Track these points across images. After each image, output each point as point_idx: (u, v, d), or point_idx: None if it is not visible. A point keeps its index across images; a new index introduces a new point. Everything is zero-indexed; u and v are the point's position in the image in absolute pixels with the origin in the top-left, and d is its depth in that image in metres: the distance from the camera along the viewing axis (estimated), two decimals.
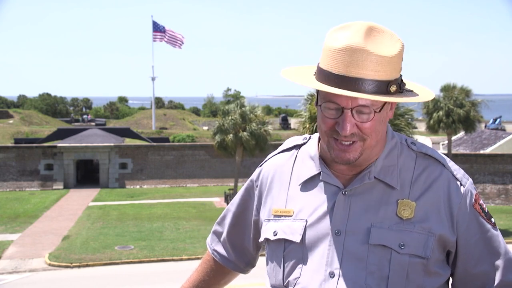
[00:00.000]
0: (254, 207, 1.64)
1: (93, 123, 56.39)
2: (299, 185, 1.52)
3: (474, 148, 34.00)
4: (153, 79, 54.98)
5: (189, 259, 16.81)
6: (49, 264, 16.42)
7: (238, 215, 1.71)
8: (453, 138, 32.16)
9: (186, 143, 36.25)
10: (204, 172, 32.63)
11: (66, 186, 31.03)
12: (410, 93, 1.41)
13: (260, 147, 23.52)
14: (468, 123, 24.15)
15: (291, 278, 1.47)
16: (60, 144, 31.69)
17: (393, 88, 1.34)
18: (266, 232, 1.54)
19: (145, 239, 19.20)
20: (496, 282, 1.42)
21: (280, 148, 1.64)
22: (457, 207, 1.41)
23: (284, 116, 57.42)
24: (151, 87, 55.01)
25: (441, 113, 24.00)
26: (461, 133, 32.23)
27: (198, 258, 15.62)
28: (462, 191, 1.42)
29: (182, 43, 47.80)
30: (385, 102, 1.37)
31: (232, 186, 27.16)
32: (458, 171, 1.46)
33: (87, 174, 34.37)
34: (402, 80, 1.39)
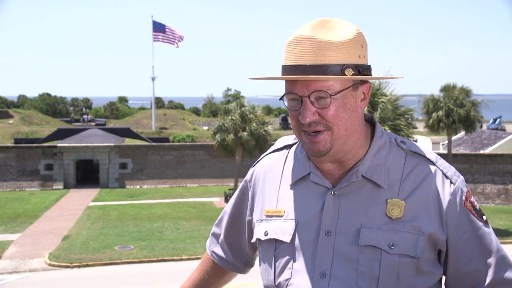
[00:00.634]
0: (248, 207, 1.64)
1: (93, 123, 56.42)
2: (290, 185, 1.52)
3: (474, 148, 34.00)
4: (153, 79, 54.99)
5: (189, 259, 16.81)
6: (49, 264, 16.42)
7: (235, 216, 1.71)
8: (453, 138, 32.17)
9: (186, 143, 36.26)
10: (204, 172, 32.63)
11: (66, 186, 31.04)
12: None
13: (260, 147, 23.54)
14: (468, 123, 24.15)
15: (282, 278, 1.46)
16: (60, 144, 31.69)
17: (348, 72, 1.33)
18: (258, 233, 1.54)
19: (145, 239, 19.20)
20: (488, 280, 1.41)
21: (271, 148, 1.65)
22: (446, 205, 1.40)
23: (284, 116, 57.41)
24: (151, 87, 55.06)
25: (441, 113, 24.01)
26: (461, 133, 32.24)
27: (198, 258, 15.63)
28: (452, 189, 1.41)
29: (181, 39, 47.73)
30: (345, 88, 1.36)
31: (232, 186, 27.18)
32: (448, 168, 1.45)
33: (87, 174, 34.38)
34: (366, 68, 1.38)
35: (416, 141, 28.44)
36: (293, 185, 1.51)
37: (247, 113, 24.29)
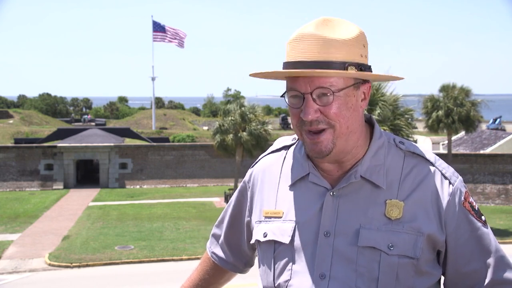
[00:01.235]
0: (247, 208, 1.64)
1: (93, 123, 56.43)
2: (289, 186, 1.51)
3: (474, 148, 34.00)
4: (153, 79, 54.99)
5: (189, 259, 16.81)
6: (49, 264, 16.42)
7: (234, 217, 1.71)
8: (453, 138, 32.17)
9: (186, 143, 36.26)
10: (204, 172, 32.63)
11: (66, 186, 31.04)
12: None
13: (260, 147, 23.53)
14: (468, 123, 24.14)
15: (281, 280, 1.46)
16: (60, 144, 31.69)
17: (351, 70, 1.34)
18: (257, 234, 1.54)
19: (145, 239, 19.20)
20: (487, 280, 1.41)
21: (269, 149, 1.64)
22: (445, 205, 1.40)
23: (284, 116, 57.43)
24: (151, 87, 55.06)
25: (440, 112, 24.00)
26: (461, 133, 32.24)
27: (198, 258, 15.62)
28: (451, 189, 1.41)
29: (184, 36, 47.68)
30: (347, 86, 1.36)
31: (232, 186, 27.17)
32: (447, 169, 1.45)
33: (87, 174, 34.38)
34: (368, 68, 1.38)
35: (416, 141, 28.42)
36: (292, 186, 1.51)
37: (247, 113, 24.29)
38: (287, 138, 1.62)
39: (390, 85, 16.98)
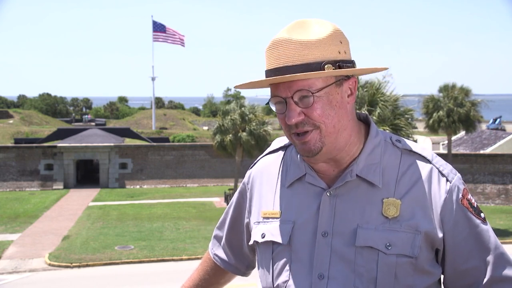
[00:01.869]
0: (246, 210, 1.64)
1: (93, 123, 56.42)
2: (286, 187, 1.52)
3: (474, 148, 34.00)
4: (153, 79, 55.00)
5: (189, 259, 16.81)
6: (49, 264, 16.42)
7: (235, 219, 1.71)
8: (453, 138, 32.17)
9: (186, 143, 36.26)
10: (204, 172, 32.63)
11: (66, 186, 31.04)
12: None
13: (260, 147, 23.53)
14: (468, 123, 24.15)
15: (280, 281, 1.46)
16: (60, 144, 31.69)
17: (328, 68, 1.34)
18: (255, 235, 1.54)
19: (145, 239, 19.20)
20: (487, 277, 1.40)
21: (267, 150, 1.65)
22: (443, 203, 1.39)
23: None
24: (151, 87, 55.07)
25: (441, 113, 24.00)
26: (461, 133, 32.24)
27: (198, 258, 15.63)
28: (449, 187, 1.40)
29: (183, 41, 47.77)
30: (328, 84, 1.36)
31: (232, 186, 27.17)
32: (444, 166, 1.44)
33: (87, 174, 34.38)
34: (349, 63, 1.38)
35: (416, 141, 28.46)
36: (289, 187, 1.51)
37: (247, 113, 24.30)
38: (285, 139, 1.62)
39: (390, 85, 16.99)
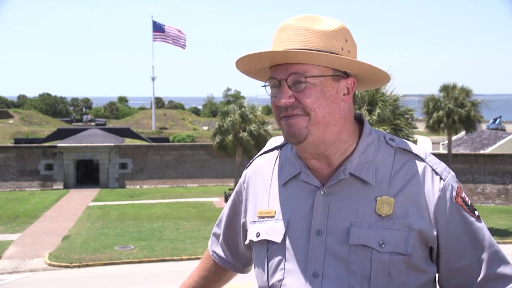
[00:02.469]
0: (242, 210, 1.65)
1: (93, 123, 56.43)
2: (281, 185, 1.52)
3: (474, 148, 34.01)
4: (153, 79, 55.01)
5: (189, 259, 16.81)
6: (49, 264, 16.42)
7: (231, 219, 1.72)
8: (453, 138, 32.17)
9: (186, 143, 36.26)
10: (204, 172, 32.63)
11: (66, 186, 31.04)
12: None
13: (260, 147, 23.42)
14: (469, 123, 24.14)
15: (275, 279, 1.46)
16: (60, 144, 31.69)
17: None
18: (251, 234, 1.55)
19: (145, 239, 19.20)
20: (481, 275, 1.40)
21: (262, 150, 1.66)
22: (436, 201, 1.39)
23: None
24: (151, 87, 55.08)
25: (441, 113, 23.99)
26: (461, 133, 32.23)
27: (198, 258, 15.63)
28: (442, 185, 1.40)
29: (184, 36, 47.67)
30: (323, 74, 1.37)
31: (232, 186, 27.19)
32: (438, 164, 1.44)
33: (87, 174, 34.38)
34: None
35: (416, 141, 28.40)
36: (284, 185, 1.51)
37: (247, 113, 24.30)
38: (279, 138, 1.63)
39: (390, 85, 16.98)
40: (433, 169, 1.43)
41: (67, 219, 22.93)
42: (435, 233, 1.39)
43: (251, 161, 1.67)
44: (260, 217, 1.53)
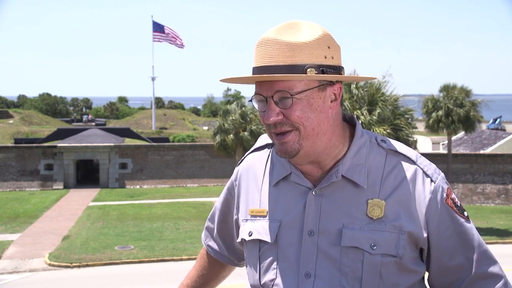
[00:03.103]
0: (235, 206, 1.66)
1: (93, 123, 56.43)
2: (272, 185, 1.53)
3: (474, 148, 34.01)
4: (153, 79, 54.98)
5: (189, 259, 16.79)
6: (49, 264, 16.42)
7: (224, 214, 1.73)
8: (453, 138, 32.15)
9: (186, 143, 36.26)
10: (204, 172, 32.63)
11: (66, 186, 31.03)
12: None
13: None
14: (468, 123, 24.14)
15: (267, 279, 1.48)
16: (60, 144, 31.69)
17: (310, 72, 1.35)
18: (243, 233, 1.56)
19: (145, 239, 19.19)
20: (471, 274, 1.43)
21: (254, 146, 1.66)
22: (427, 203, 1.41)
23: None
24: (151, 87, 55.05)
25: (440, 113, 23.98)
26: (461, 133, 32.23)
27: None
28: (433, 187, 1.42)
29: (182, 44, 47.76)
30: (309, 88, 1.37)
31: None
32: (429, 166, 1.46)
33: (87, 174, 34.38)
34: (334, 69, 1.39)
35: (416, 141, 28.40)
36: (275, 185, 1.52)
37: (248, 113, 24.32)
38: None
39: (390, 85, 16.99)
40: (424, 171, 1.44)
41: (67, 219, 22.92)
42: (425, 234, 1.41)
43: (243, 158, 1.68)
44: (252, 216, 1.54)
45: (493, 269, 1.43)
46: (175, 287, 1.82)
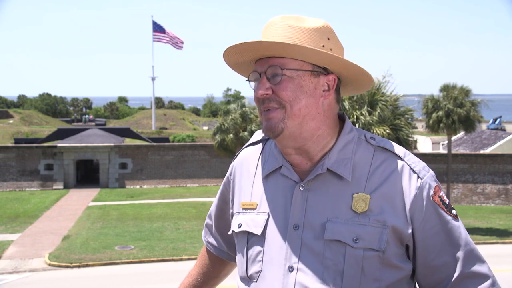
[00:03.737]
0: (230, 200, 1.68)
1: (93, 123, 56.44)
2: (263, 178, 1.55)
3: (474, 148, 34.01)
4: (153, 79, 55.00)
5: (189, 259, 16.80)
6: (49, 264, 16.42)
7: (222, 209, 1.75)
8: (453, 138, 32.16)
9: (186, 143, 36.26)
10: (204, 172, 32.63)
11: (66, 186, 31.03)
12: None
13: None
14: (468, 123, 24.13)
15: (253, 270, 1.50)
16: (60, 144, 31.69)
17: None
18: (234, 225, 1.59)
19: (145, 239, 19.19)
20: (457, 273, 1.42)
21: (249, 141, 1.69)
22: (412, 199, 1.41)
23: None
24: (151, 87, 55.10)
25: (440, 113, 23.97)
26: (461, 133, 32.23)
27: None
28: (419, 183, 1.42)
29: (182, 43, 47.79)
30: (302, 69, 1.41)
31: None
32: (417, 163, 1.46)
33: (87, 174, 34.38)
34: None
35: (416, 141, 28.41)
36: (265, 178, 1.54)
37: (248, 113, 24.33)
38: None
39: (390, 85, 16.99)
40: (411, 168, 1.45)
41: (67, 219, 22.93)
42: (410, 230, 1.41)
43: (238, 153, 1.70)
44: (243, 209, 1.57)
45: (480, 268, 1.43)
46: (175, 287, 1.82)
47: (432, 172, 1.47)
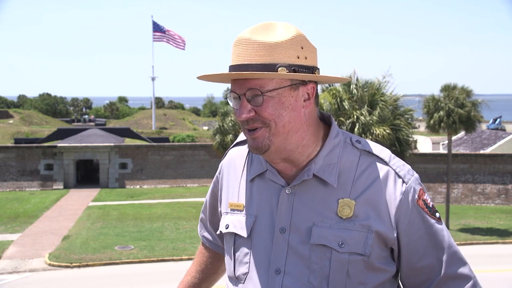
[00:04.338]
0: (219, 199, 1.70)
1: (93, 123, 56.45)
2: (249, 181, 1.56)
3: (474, 148, 34.00)
4: (153, 79, 54.98)
5: (189, 259, 16.79)
6: (49, 264, 16.42)
7: (213, 207, 1.77)
8: (453, 138, 32.15)
9: (186, 143, 36.26)
10: (204, 172, 32.63)
11: (66, 186, 31.03)
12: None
13: None
14: (469, 124, 24.12)
15: (240, 272, 1.52)
16: (60, 144, 31.68)
17: (282, 71, 1.37)
18: (221, 225, 1.60)
19: (145, 239, 19.19)
20: (441, 275, 1.45)
21: (236, 141, 1.70)
22: (397, 204, 1.43)
23: None
24: (151, 87, 55.07)
25: (441, 113, 23.96)
26: (461, 133, 32.21)
27: None
28: (404, 188, 1.44)
29: (184, 43, 47.74)
30: (280, 87, 1.40)
31: None
32: (402, 167, 1.48)
33: (87, 174, 34.37)
34: (307, 69, 1.42)
35: (416, 141, 28.37)
36: (252, 181, 1.56)
37: None
38: None
39: (390, 85, 16.98)
40: (396, 172, 1.46)
41: (67, 219, 22.93)
42: (395, 234, 1.43)
43: (226, 152, 1.72)
44: (231, 209, 1.58)
45: (462, 270, 1.45)
46: (175, 287, 1.82)
47: (416, 175, 1.48)
